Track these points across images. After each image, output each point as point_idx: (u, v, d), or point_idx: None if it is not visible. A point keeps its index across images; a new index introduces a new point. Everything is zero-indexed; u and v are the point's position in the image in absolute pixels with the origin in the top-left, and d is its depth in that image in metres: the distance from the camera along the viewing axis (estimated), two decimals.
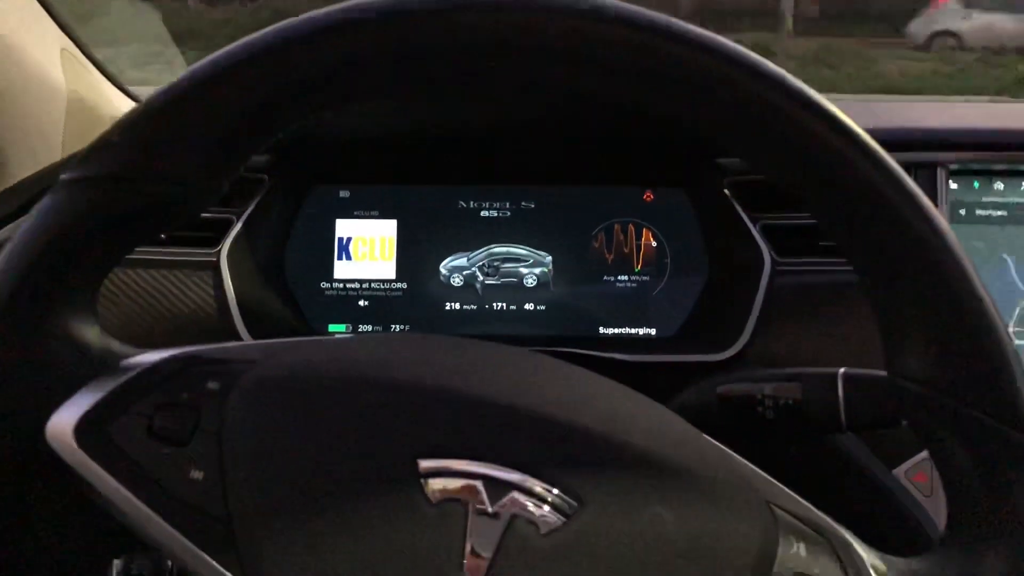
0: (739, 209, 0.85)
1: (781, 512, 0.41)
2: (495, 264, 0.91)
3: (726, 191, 0.86)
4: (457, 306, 0.91)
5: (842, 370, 0.55)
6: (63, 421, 0.38)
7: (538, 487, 0.37)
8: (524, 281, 0.91)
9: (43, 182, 0.83)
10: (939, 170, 0.85)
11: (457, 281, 0.91)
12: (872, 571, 0.40)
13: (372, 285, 0.91)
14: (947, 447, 0.41)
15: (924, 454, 0.78)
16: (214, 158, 0.39)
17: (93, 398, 0.38)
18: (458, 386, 0.40)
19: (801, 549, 0.40)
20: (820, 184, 0.38)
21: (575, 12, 0.36)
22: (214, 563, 0.36)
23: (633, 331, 0.90)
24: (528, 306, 0.91)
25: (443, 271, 0.91)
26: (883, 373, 0.43)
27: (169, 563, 0.54)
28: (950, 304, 0.38)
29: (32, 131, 0.83)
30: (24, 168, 0.83)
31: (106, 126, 0.35)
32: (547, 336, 0.90)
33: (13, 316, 0.37)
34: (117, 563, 0.54)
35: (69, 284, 0.39)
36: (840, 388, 0.54)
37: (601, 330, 0.90)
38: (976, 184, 0.87)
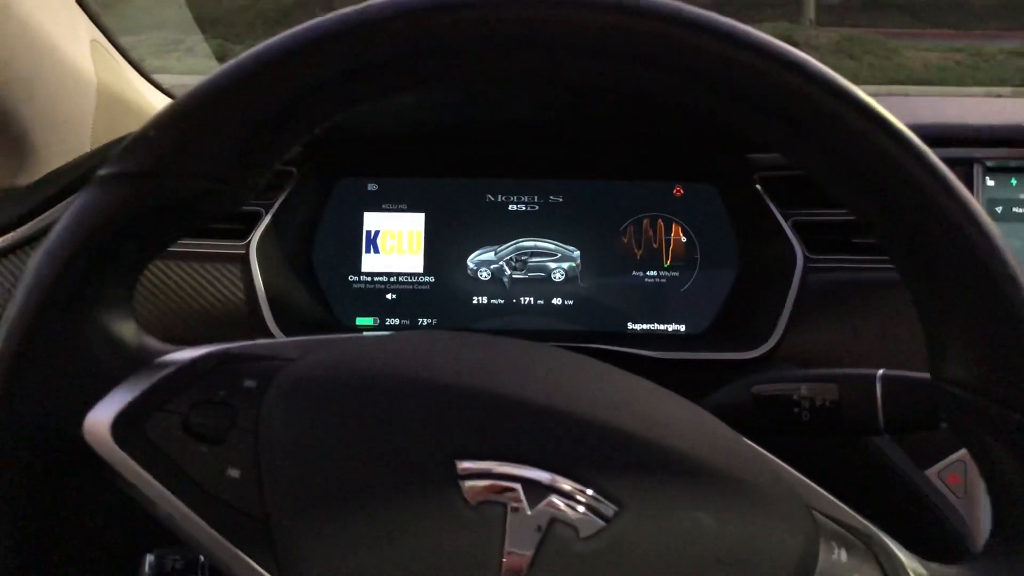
0: (771, 205, 0.84)
1: (822, 517, 0.40)
2: (523, 258, 0.90)
3: (757, 186, 0.85)
4: (484, 300, 0.91)
5: (880, 371, 0.54)
6: (100, 418, 0.38)
7: (578, 490, 0.37)
8: (552, 276, 0.90)
9: (73, 173, 0.84)
10: (975, 166, 0.84)
11: (484, 275, 0.91)
12: None
13: (400, 278, 0.91)
14: (992, 453, 0.40)
15: (957, 455, 0.78)
16: (250, 154, 0.39)
17: (130, 395, 0.38)
18: (497, 387, 0.39)
19: (842, 555, 0.39)
20: (864, 183, 0.38)
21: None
22: (251, 561, 0.36)
23: (662, 327, 0.90)
24: (556, 301, 0.91)
25: (470, 265, 0.91)
26: (924, 375, 0.42)
27: (201, 558, 0.54)
28: (998, 307, 0.37)
29: (63, 122, 0.83)
30: (55, 159, 0.84)
31: (134, 117, 0.35)
32: (574, 331, 0.90)
33: (50, 312, 0.37)
34: (150, 558, 0.54)
35: (106, 280, 0.39)
36: (878, 390, 0.54)
37: (630, 326, 0.90)
38: (1013, 181, 0.86)
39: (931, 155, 0.37)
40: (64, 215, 0.38)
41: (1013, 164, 0.85)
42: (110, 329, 0.39)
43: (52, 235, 0.38)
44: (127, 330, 0.40)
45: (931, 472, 0.78)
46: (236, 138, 0.38)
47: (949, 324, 0.39)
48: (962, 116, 0.90)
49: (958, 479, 0.77)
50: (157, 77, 1.03)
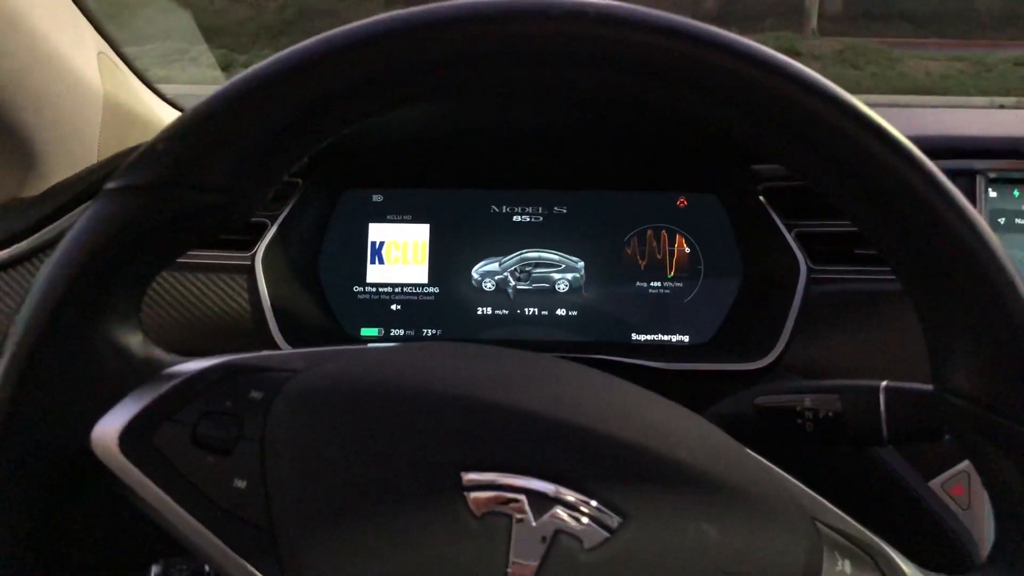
0: (774, 216, 0.84)
1: (825, 528, 0.40)
2: (527, 269, 0.91)
3: (761, 197, 0.85)
4: (489, 311, 0.91)
5: (884, 383, 0.54)
6: (107, 429, 0.38)
7: (582, 501, 0.37)
8: (556, 286, 0.91)
9: (80, 184, 0.84)
10: (978, 178, 0.84)
11: (489, 286, 0.91)
12: None
13: (404, 289, 0.91)
14: (995, 464, 0.40)
15: (961, 466, 0.78)
16: (258, 167, 0.39)
17: (137, 406, 0.38)
18: (502, 398, 0.40)
19: (846, 566, 0.39)
20: (866, 195, 0.38)
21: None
22: (257, 572, 0.36)
23: (666, 338, 0.90)
24: (560, 311, 0.91)
25: (475, 275, 0.91)
26: (927, 387, 0.42)
27: (207, 568, 0.54)
28: (1000, 319, 0.37)
29: (70, 134, 0.83)
30: (62, 171, 0.84)
31: (140, 127, 0.35)
32: (579, 342, 0.90)
33: (59, 324, 0.37)
34: (155, 568, 0.55)
35: (114, 292, 0.39)
36: (882, 401, 0.54)
37: (633, 336, 0.90)
38: (1016, 192, 0.86)
39: (932, 167, 0.37)
40: (73, 227, 0.38)
41: (1016, 175, 0.85)
42: (118, 340, 0.40)
43: (61, 247, 0.38)
44: (134, 341, 0.40)
45: (935, 483, 0.78)
46: (244, 151, 0.38)
47: (952, 335, 0.39)
48: (965, 128, 0.90)
49: (962, 490, 0.77)
50: (161, 87, 1.04)
